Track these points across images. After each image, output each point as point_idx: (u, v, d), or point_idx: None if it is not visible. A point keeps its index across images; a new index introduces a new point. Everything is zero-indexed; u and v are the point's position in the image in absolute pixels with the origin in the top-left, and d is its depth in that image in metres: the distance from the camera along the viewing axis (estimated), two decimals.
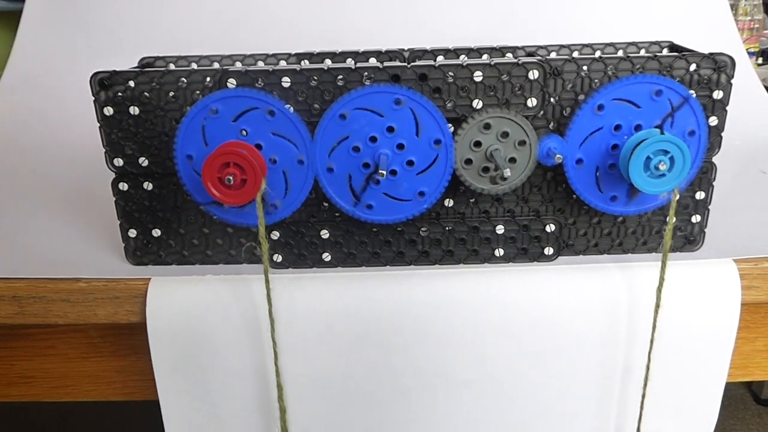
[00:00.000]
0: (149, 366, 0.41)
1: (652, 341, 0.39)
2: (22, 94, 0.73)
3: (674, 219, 0.41)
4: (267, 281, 0.38)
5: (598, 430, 0.43)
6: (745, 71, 0.72)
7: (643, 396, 0.41)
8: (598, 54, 0.49)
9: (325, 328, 0.40)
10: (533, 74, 0.38)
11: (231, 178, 0.35)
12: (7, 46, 0.78)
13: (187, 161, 0.38)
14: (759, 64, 0.93)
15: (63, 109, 0.71)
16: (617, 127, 0.38)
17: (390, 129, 0.38)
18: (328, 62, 0.48)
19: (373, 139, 0.38)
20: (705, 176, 0.41)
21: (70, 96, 0.69)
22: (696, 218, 0.42)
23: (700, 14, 0.77)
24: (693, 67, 0.38)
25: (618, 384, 0.42)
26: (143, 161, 0.40)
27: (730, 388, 1.24)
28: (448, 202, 0.41)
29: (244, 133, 0.38)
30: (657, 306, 0.39)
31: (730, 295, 0.40)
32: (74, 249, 0.45)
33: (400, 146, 0.38)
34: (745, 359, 0.45)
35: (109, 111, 0.39)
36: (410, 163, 0.38)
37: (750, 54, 0.90)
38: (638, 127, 0.38)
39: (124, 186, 0.41)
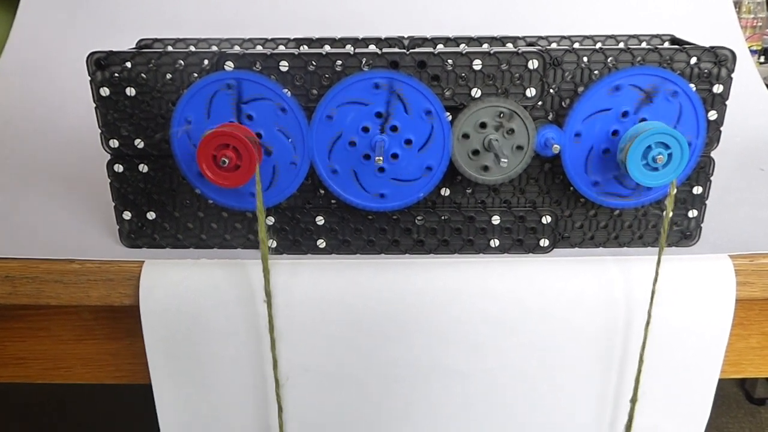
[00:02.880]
0: (143, 350, 0.41)
1: (645, 336, 0.39)
2: (20, 76, 0.73)
3: (671, 212, 0.41)
4: (266, 268, 0.37)
5: (591, 424, 0.43)
6: (747, 69, 0.72)
7: (636, 390, 0.41)
8: (598, 45, 0.49)
9: (319, 314, 0.40)
10: (533, 64, 0.37)
11: (226, 160, 0.35)
12: (6, 27, 0.77)
13: (184, 124, 0.38)
14: (761, 63, 0.93)
15: (61, 91, 0.71)
16: (624, 114, 0.38)
17: (378, 114, 0.37)
18: (327, 48, 0.48)
19: (366, 129, 0.38)
20: (703, 171, 0.41)
21: (69, 78, 0.69)
22: (693, 213, 0.42)
23: (703, 11, 0.77)
24: (693, 60, 0.38)
25: (611, 378, 0.42)
26: (139, 143, 0.40)
27: (723, 386, 1.25)
28: (445, 192, 0.41)
29: (249, 118, 0.38)
30: (651, 300, 0.38)
31: (724, 291, 0.40)
32: (68, 230, 0.45)
33: (394, 128, 0.38)
34: (739, 356, 0.45)
35: (105, 92, 0.39)
36: (408, 141, 0.38)
37: (752, 52, 0.90)
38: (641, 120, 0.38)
39: (119, 168, 0.41)
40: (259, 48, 0.48)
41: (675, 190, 0.40)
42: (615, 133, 0.38)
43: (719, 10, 0.77)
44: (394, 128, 0.38)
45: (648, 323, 0.39)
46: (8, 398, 1.19)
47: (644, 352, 0.39)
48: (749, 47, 0.84)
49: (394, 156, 0.38)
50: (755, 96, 0.71)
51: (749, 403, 1.22)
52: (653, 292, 0.38)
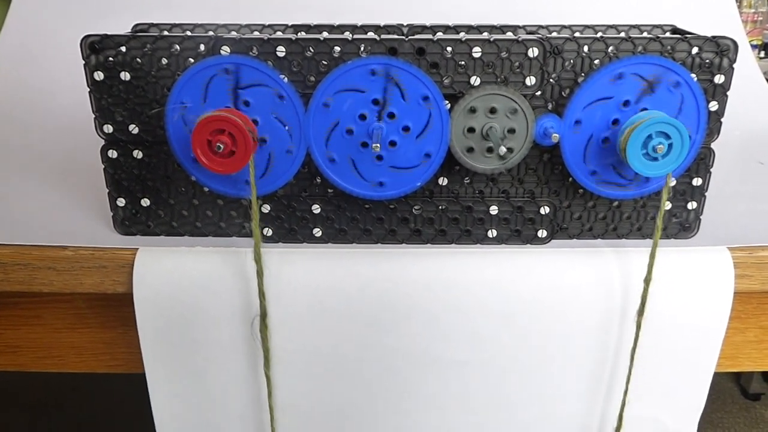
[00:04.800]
0: (137, 339, 0.40)
1: (638, 327, 0.39)
2: (16, 61, 0.72)
3: (668, 204, 0.41)
4: (258, 256, 0.37)
5: (587, 414, 0.43)
6: (748, 62, 0.72)
7: (628, 381, 0.40)
8: (599, 34, 0.48)
9: (315, 304, 0.39)
10: (533, 52, 0.37)
11: (221, 145, 0.34)
12: (2, 12, 0.77)
13: (179, 109, 0.37)
14: (761, 57, 0.92)
15: (56, 76, 0.70)
16: (625, 103, 0.37)
17: (375, 102, 0.37)
18: (325, 34, 0.47)
19: (363, 117, 0.37)
20: (703, 162, 0.40)
21: (64, 63, 0.68)
22: (692, 205, 0.41)
23: (704, 5, 0.76)
24: (695, 50, 0.37)
25: (608, 368, 0.41)
26: (133, 128, 0.39)
27: (718, 381, 1.25)
28: (442, 181, 0.40)
29: (246, 104, 0.37)
30: (645, 291, 0.38)
31: (723, 283, 0.39)
32: (62, 217, 0.45)
33: (391, 115, 0.37)
34: (736, 349, 0.45)
35: (99, 76, 0.38)
36: (406, 129, 0.38)
37: (752, 47, 0.90)
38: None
39: (113, 153, 0.40)
40: (256, 33, 0.48)
41: (673, 182, 0.40)
42: (615, 122, 0.38)
43: (720, 4, 0.77)
44: (391, 115, 0.37)
45: (641, 314, 0.39)
46: (6, 391, 1.18)
47: (637, 342, 0.39)
48: (750, 42, 0.84)
49: (392, 143, 0.38)
50: (755, 90, 0.71)
51: (744, 399, 1.22)
52: (647, 283, 0.38)
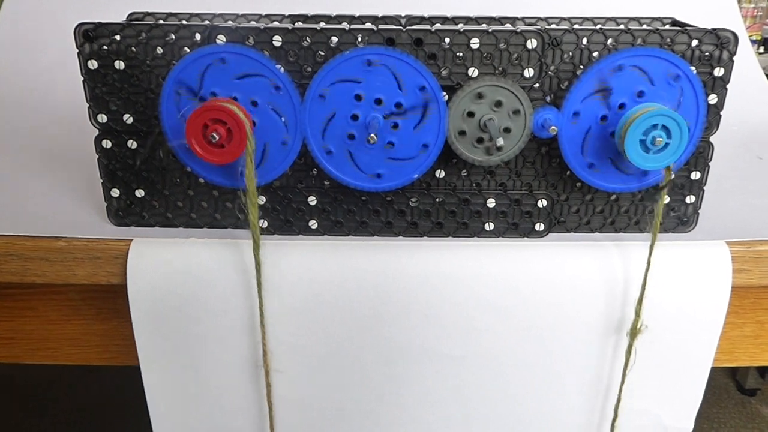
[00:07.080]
0: (131, 330, 0.40)
1: (637, 321, 0.39)
2: (10, 50, 0.72)
3: (666, 198, 0.41)
4: (257, 246, 0.37)
5: (585, 409, 0.43)
6: (747, 57, 0.71)
7: (624, 376, 0.40)
8: (598, 27, 0.48)
9: (310, 296, 0.39)
10: (531, 43, 0.37)
11: (216, 135, 0.34)
12: None
13: (175, 95, 0.37)
14: (760, 53, 0.92)
15: (51, 64, 0.70)
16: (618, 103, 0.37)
17: (377, 101, 0.37)
18: (322, 24, 0.47)
19: (359, 100, 0.37)
20: (701, 156, 0.40)
21: (59, 52, 0.68)
22: (690, 199, 0.41)
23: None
24: (695, 42, 0.37)
25: (605, 363, 0.41)
26: (128, 118, 0.39)
27: (714, 377, 1.26)
28: (440, 173, 0.40)
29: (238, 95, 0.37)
30: (643, 285, 0.38)
31: (721, 278, 0.39)
32: (55, 208, 0.44)
33: (387, 106, 0.37)
34: (732, 345, 0.45)
35: (93, 65, 0.38)
36: (401, 114, 0.37)
37: (752, 42, 0.89)
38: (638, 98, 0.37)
39: (107, 143, 0.40)
40: (253, 23, 0.47)
41: (672, 176, 0.40)
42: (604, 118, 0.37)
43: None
44: (385, 104, 0.37)
45: (639, 308, 0.38)
46: (12, 380, 1.18)
47: (636, 338, 0.39)
48: (749, 37, 0.84)
49: (395, 126, 0.37)
50: (755, 85, 0.70)
51: (740, 394, 1.23)
52: (645, 278, 0.38)
